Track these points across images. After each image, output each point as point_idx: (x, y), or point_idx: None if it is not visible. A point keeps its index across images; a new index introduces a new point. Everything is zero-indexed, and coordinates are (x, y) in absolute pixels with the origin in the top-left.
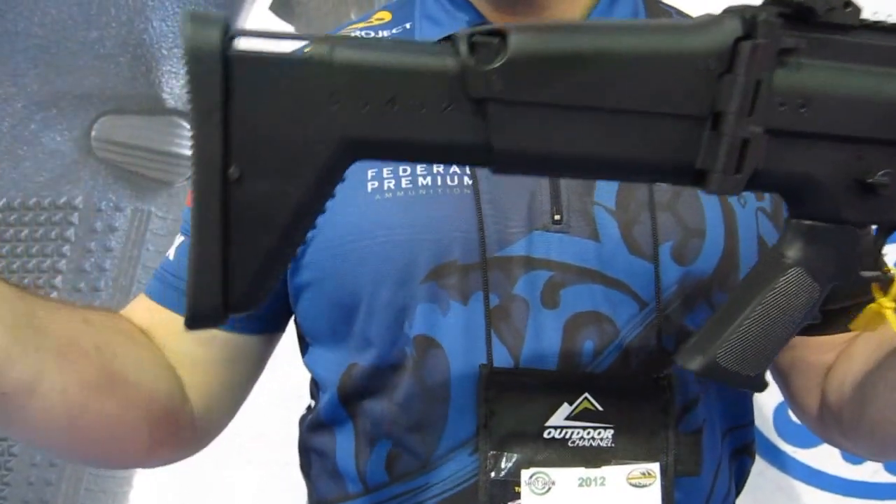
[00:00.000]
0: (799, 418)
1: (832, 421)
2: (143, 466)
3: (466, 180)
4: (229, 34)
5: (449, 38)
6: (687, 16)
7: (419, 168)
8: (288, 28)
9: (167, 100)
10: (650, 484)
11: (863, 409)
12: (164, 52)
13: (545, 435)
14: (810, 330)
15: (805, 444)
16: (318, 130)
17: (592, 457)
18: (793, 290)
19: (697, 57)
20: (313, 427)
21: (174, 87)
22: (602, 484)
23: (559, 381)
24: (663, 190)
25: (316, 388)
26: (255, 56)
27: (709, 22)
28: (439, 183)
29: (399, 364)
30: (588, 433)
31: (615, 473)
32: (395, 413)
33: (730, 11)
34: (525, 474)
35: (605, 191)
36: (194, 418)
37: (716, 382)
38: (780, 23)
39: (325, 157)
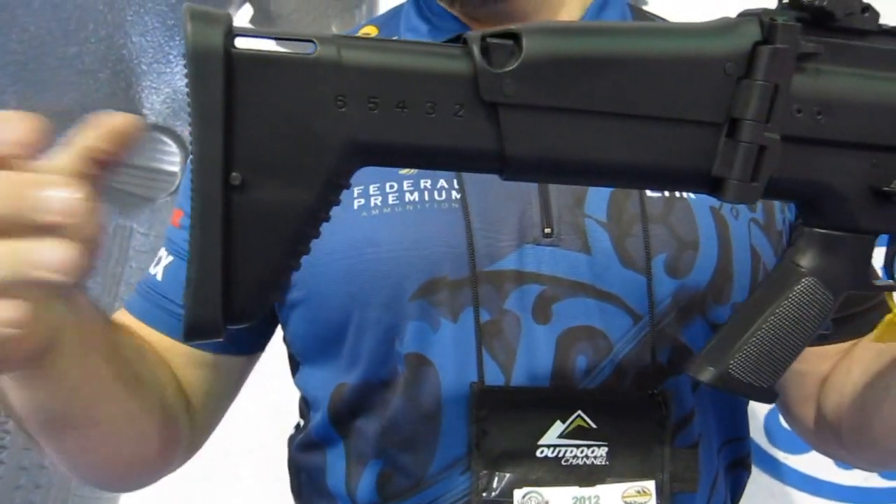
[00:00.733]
0: (793, 429)
1: (830, 432)
2: (144, 477)
3: (455, 194)
4: (233, 33)
5: (461, 39)
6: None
7: (406, 183)
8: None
9: (148, 115)
10: (646, 502)
11: (865, 421)
12: (144, 67)
13: (538, 453)
14: (818, 339)
15: (797, 450)
16: (324, 134)
17: (587, 475)
18: (807, 300)
19: (715, 61)
20: (304, 447)
21: (155, 102)
22: (597, 503)
23: (552, 399)
24: (656, 202)
25: (306, 407)
26: (260, 56)
27: (727, 25)
28: (427, 198)
29: (390, 382)
30: (582, 451)
31: (610, 492)
32: (386, 432)
33: (748, 14)
34: (518, 494)
35: (596, 203)
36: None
37: (728, 393)
38: (799, 27)
39: (331, 163)
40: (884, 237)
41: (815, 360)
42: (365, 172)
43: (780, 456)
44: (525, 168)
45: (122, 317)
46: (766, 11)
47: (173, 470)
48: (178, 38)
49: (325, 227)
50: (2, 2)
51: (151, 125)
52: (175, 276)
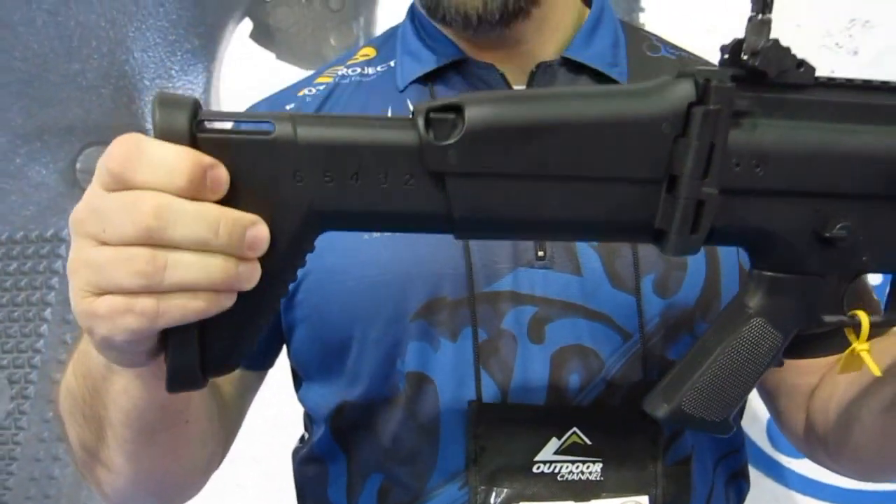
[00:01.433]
0: (786, 437)
1: (817, 442)
2: (194, 489)
3: None
4: (199, 118)
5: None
6: (667, 42)
7: None
8: (268, 55)
9: (151, 130)
10: None
11: (847, 433)
12: (147, 82)
13: (534, 469)
14: (792, 354)
15: (799, 454)
16: (285, 205)
17: (582, 490)
18: (755, 340)
19: (653, 121)
20: (307, 461)
21: None
22: None
23: (547, 416)
24: None
25: (310, 421)
26: (223, 140)
27: (663, 85)
28: None
29: (391, 399)
30: (577, 467)
31: None
32: (387, 447)
33: (683, 74)
34: None
35: None
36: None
37: (682, 428)
38: (732, 87)
39: (293, 230)
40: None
41: (805, 373)
42: None
43: (783, 460)
44: (474, 229)
45: None
46: (700, 72)
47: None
48: (179, 54)
49: (327, 249)
50: (5, 20)
51: None
52: None
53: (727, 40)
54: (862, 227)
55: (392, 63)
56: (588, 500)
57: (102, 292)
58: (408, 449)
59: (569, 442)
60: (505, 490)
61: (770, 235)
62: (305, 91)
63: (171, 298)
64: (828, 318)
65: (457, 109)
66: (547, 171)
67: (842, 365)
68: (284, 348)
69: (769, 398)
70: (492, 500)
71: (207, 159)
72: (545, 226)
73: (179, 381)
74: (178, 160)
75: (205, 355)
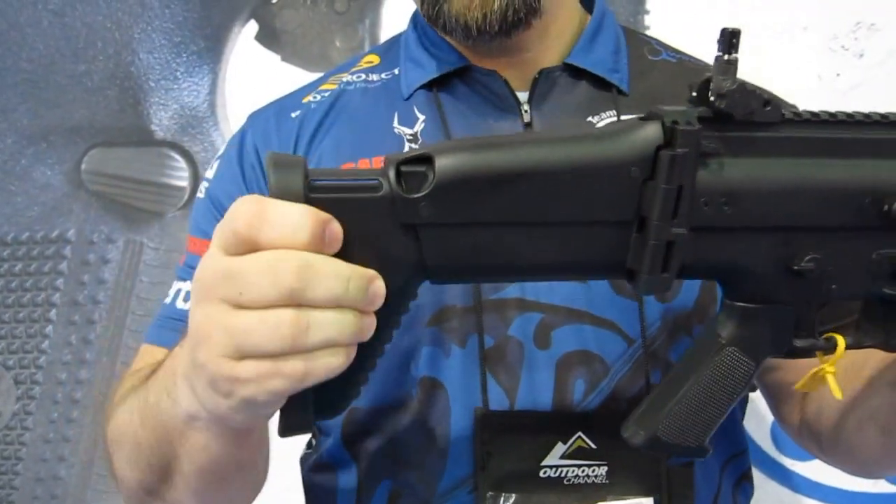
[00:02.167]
0: (784, 432)
1: (812, 439)
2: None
3: None
4: (309, 178)
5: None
6: (667, 46)
7: None
8: (274, 57)
9: (156, 131)
10: None
11: (839, 433)
12: (152, 84)
13: (541, 474)
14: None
15: (804, 456)
16: (394, 258)
17: (588, 494)
18: (728, 368)
19: (621, 165)
20: (316, 468)
21: (163, 118)
22: None
23: (553, 421)
24: None
25: (318, 428)
26: (334, 198)
27: (631, 128)
28: None
29: (403, 405)
30: (583, 471)
31: None
32: (397, 452)
33: (652, 117)
34: None
35: None
36: None
37: (660, 454)
38: (698, 129)
39: (401, 282)
40: None
41: (801, 373)
42: None
43: (788, 463)
44: (448, 275)
45: (152, 354)
46: (667, 114)
47: None
48: (184, 55)
49: None
50: (11, 21)
51: (160, 141)
52: None
53: None
54: (830, 258)
55: (396, 71)
56: (594, 502)
57: (245, 357)
58: (418, 455)
59: (574, 446)
60: (514, 495)
61: (740, 269)
62: (310, 97)
63: (316, 358)
64: (799, 344)
65: (427, 160)
66: (518, 217)
67: (802, 382)
68: None
69: (769, 395)
70: None
71: (325, 215)
72: (518, 270)
73: (293, 427)
74: (301, 218)
75: (317, 403)
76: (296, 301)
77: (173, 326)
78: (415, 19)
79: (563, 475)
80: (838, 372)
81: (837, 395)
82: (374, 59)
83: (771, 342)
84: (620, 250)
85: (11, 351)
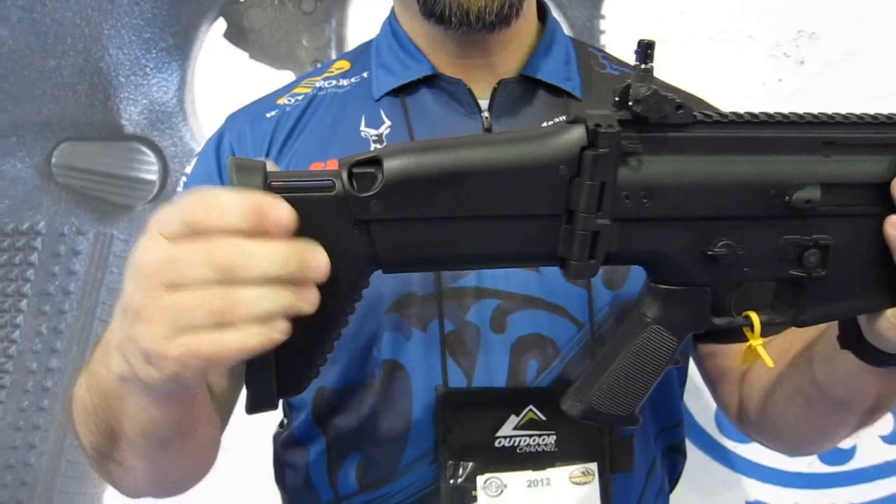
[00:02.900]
0: (726, 417)
1: (747, 421)
2: (191, 483)
3: None
4: (267, 179)
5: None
6: (612, 58)
7: None
8: (242, 55)
9: (125, 126)
10: (590, 482)
11: (765, 413)
12: (122, 79)
13: (496, 444)
14: (722, 339)
15: (745, 440)
16: (346, 251)
17: (538, 461)
18: (654, 344)
19: (551, 164)
20: (288, 444)
21: (132, 113)
22: (548, 484)
23: (507, 397)
24: None
25: (289, 407)
26: (290, 197)
27: (560, 131)
28: None
29: (367, 385)
30: (534, 440)
31: (559, 474)
32: (363, 429)
33: (577, 120)
34: (480, 480)
35: None
36: None
37: (595, 423)
38: (618, 131)
39: (354, 271)
40: None
41: (735, 358)
42: None
43: (730, 445)
44: (398, 265)
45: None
46: (591, 117)
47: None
48: (154, 52)
49: None
50: None
51: (129, 136)
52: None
53: (681, 49)
54: (741, 244)
55: (366, 74)
56: (544, 468)
57: (180, 333)
58: (382, 430)
59: (526, 419)
60: (471, 463)
61: (661, 255)
62: (284, 100)
63: (245, 330)
64: (717, 321)
65: (376, 162)
66: (460, 212)
67: (741, 357)
68: None
69: (709, 382)
70: (459, 473)
71: (269, 199)
72: (462, 260)
73: (258, 404)
74: (240, 203)
75: (280, 382)
76: (228, 279)
77: None
78: (390, 27)
79: (515, 445)
80: (772, 355)
81: (769, 363)
82: (345, 64)
83: (691, 320)
84: (552, 240)
85: None
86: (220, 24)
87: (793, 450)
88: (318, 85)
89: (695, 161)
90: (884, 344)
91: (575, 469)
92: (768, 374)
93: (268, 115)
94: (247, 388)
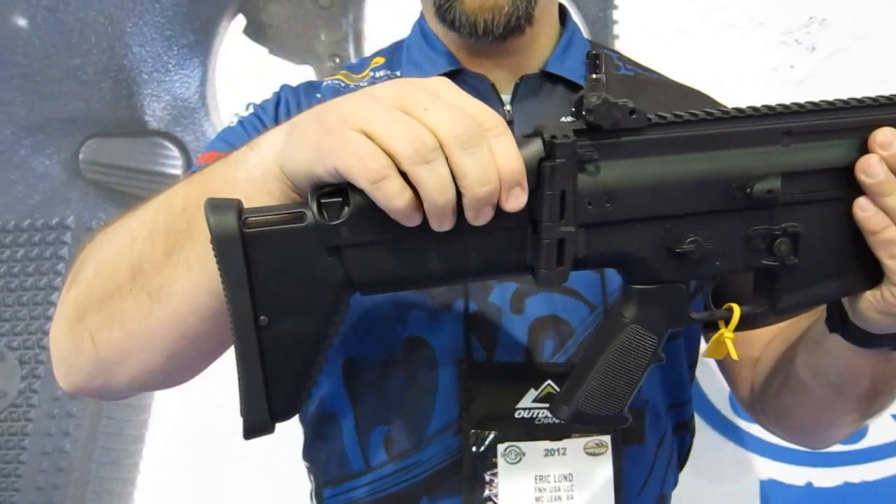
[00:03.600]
0: (740, 405)
1: (760, 409)
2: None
3: None
4: (243, 216)
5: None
6: (627, 60)
7: None
8: (262, 50)
9: (150, 122)
10: (603, 452)
11: (769, 399)
12: (145, 76)
13: (516, 415)
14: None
15: None
16: (322, 278)
17: (555, 432)
18: (633, 344)
19: None
20: (319, 419)
21: (156, 109)
22: (564, 454)
23: (526, 372)
24: None
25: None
26: (266, 231)
27: (519, 145)
28: None
29: (392, 361)
30: None
31: (574, 445)
32: (389, 402)
33: (535, 134)
34: (500, 448)
35: None
36: None
37: (584, 425)
38: (573, 141)
39: (331, 297)
40: None
41: (748, 346)
42: None
43: (744, 425)
44: (373, 287)
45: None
46: (547, 129)
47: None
48: (175, 48)
49: None
50: (6, 18)
51: (153, 131)
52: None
53: (697, 39)
54: (710, 239)
55: (398, 73)
56: (560, 439)
57: (370, 136)
58: (409, 403)
59: (544, 392)
60: (492, 433)
61: (630, 256)
62: (330, 82)
63: (432, 180)
64: (696, 316)
65: (343, 193)
66: (426, 231)
67: (707, 349)
68: None
69: (725, 374)
70: (481, 442)
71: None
72: (436, 277)
73: (255, 430)
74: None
75: (271, 406)
76: (449, 145)
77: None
78: (419, 26)
79: (534, 416)
80: (777, 344)
81: (734, 355)
82: (380, 60)
83: (668, 317)
84: (521, 251)
85: (16, 332)
86: (240, 21)
87: (799, 438)
88: (357, 79)
89: (652, 162)
90: (867, 324)
91: (589, 441)
92: (774, 361)
93: (318, 96)
94: (241, 415)
